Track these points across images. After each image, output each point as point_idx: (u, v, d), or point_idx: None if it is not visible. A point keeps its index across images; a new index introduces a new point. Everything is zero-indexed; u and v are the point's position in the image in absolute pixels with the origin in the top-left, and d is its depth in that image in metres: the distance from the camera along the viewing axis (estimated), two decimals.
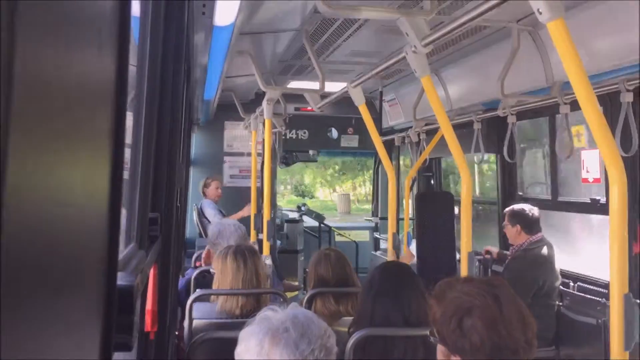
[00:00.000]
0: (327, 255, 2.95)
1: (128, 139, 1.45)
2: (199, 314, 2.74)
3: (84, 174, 0.49)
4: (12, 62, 0.28)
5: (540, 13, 1.51)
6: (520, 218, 4.02)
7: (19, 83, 0.30)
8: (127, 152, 1.44)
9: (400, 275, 2.29)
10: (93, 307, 0.52)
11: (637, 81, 3.00)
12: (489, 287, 1.42)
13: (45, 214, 0.37)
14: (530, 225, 4.01)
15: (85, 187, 0.50)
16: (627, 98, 3.03)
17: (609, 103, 3.36)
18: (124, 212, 1.32)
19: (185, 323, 2.71)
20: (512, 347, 1.35)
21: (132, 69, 1.54)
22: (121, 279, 0.64)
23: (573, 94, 1.75)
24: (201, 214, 6.23)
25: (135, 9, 1.50)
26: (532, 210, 4.07)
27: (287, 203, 18.34)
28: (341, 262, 2.92)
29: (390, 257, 3.84)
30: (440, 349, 1.45)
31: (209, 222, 5.87)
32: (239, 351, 1.42)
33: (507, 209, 4.23)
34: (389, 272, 2.30)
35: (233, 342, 1.46)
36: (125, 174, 1.38)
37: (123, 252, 1.08)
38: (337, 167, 24.01)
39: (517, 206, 4.21)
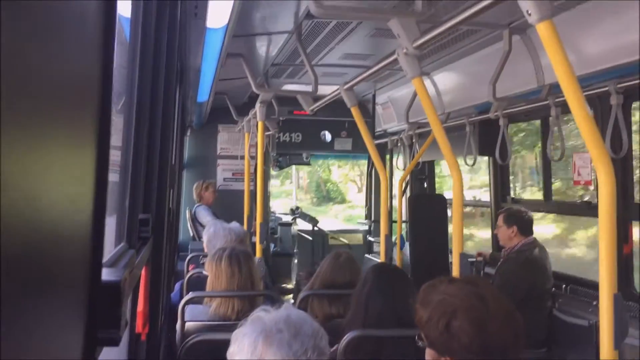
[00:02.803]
0: (337, 256, 2.94)
1: (119, 140, 1.45)
2: (193, 316, 2.74)
3: (68, 170, 0.49)
4: None
5: (530, 14, 1.52)
6: (516, 219, 4.04)
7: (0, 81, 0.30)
8: (119, 154, 1.44)
9: (393, 276, 2.31)
10: (77, 303, 0.52)
11: (627, 83, 3.03)
12: (473, 287, 1.43)
13: (27, 211, 0.37)
14: (525, 226, 4.04)
15: (69, 184, 0.50)
16: (617, 100, 3.06)
17: (598, 105, 3.38)
18: (115, 214, 1.32)
19: (178, 325, 2.71)
20: (501, 344, 1.36)
21: (124, 71, 1.54)
22: (108, 275, 0.64)
23: (564, 96, 1.76)
24: (195, 219, 6.18)
25: (127, 11, 1.50)
26: (527, 212, 4.10)
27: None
28: (348, 265, 2.90)
29: (383, 259, 3.84)
30: (429, 352, 1.45)
31: (203, 228, 5.83)
32: (232, 351, 1.42)
33: (501, 211, 4.25)
34: (382, 273, 2.32)
35: (226, 344, 1.46)
36: (117, 176, 1.39)
37: (113, 251, 1.08)
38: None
39: (512, 208, 4.24)
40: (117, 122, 1.47)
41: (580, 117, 1.56)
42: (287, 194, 22.25)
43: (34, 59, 0.37)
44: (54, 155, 0.44)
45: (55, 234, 0.44)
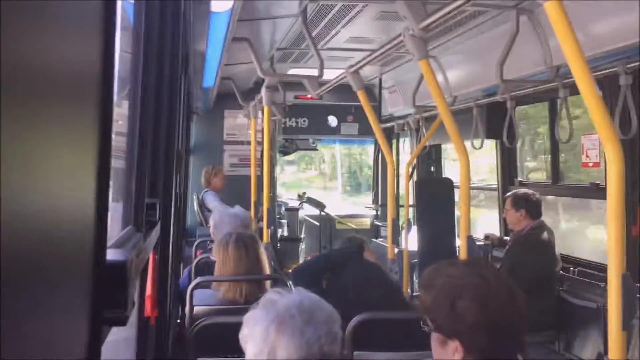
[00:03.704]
0: (349, 241, 2.97)
1: (125, 126, 1.45)
2: (201, 301, 2.75)
3: (70, 153, 0.49)
4: None
5: None
6: (525, 202, 4.02)
7: None
8: (124, 140, 1.44)
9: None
10: (82, 283, 0.52)
11: (636, 64, 2.99)
12: (473, 268, 1.45)
13: (31, 193, 0.37)
14: (534, 209, 4.03)
15: (72, 167, 0.50)
16: (626, 81, 3.02)
17: (607, 86, 3.35)
18: (122, 200, 1.32)
19: (186, 309, 2.73)
20: (506, 320, 1.37)
21: (128, 57, 1.54)
22: (114, 256, 0.65)
23: (572, 77, 1.75)
24: (203, 204, 6.19)
25: None
26: (535, 194, 4.08)
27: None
28: (360, 249, 2.92)
29: (390, 244, 3.85)
30: (435, 337, 1.44)
31: (210, 213, 5.83)
32: (244, 334, 1.42)
33: (509, 194, 4.24)
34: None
35: (234, 328, 1.46)
36: (123, 162, 1.39)
37: (119, 234, 1.08)
38: None
39: (520, 191, 4.22)
40: (123, 108, 1.47)
41: (590, 98, 1.55)
42: (310, 181, 19.43)
43: (34, 45, 0.37)
44: (57, 138, 0.44)
45: (59, 216, 0.45)
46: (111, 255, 0.63)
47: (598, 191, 3.85)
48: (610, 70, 3.12)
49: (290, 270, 7.07)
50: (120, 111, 1.44)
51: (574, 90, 3.36)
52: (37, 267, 0.39)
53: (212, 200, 6.07)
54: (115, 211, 1.24)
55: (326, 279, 2.84)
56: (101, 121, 0.59)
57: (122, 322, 0.61)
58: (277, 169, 8.39)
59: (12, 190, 0.33)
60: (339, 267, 2.71)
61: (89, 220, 0.54)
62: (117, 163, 1.32)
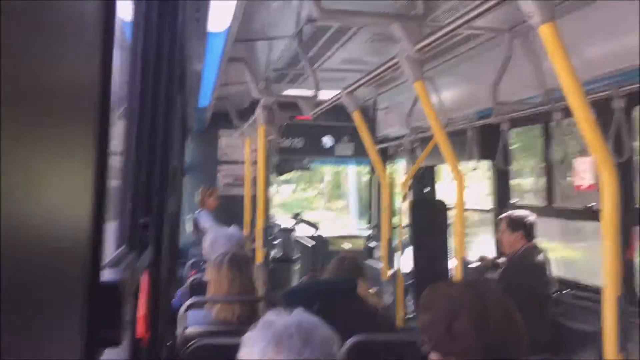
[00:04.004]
0: (342, 260, 2.94)
1: (120, 146, 1.45)
2: (194, 321, 2.73)
3: (66, 172, 0.49)
4: None
5: (531, 16, 1.51)
6: (522, 224, 4.02)
7: None
8: (120, 160, 1.44)
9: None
10: (76, 303, 0.51)
11: (629, 87, 3.02)
12: (471, 288, 1.45)
13: (26, 212, 0.37)
14: (530, 231, 4.03)
15: (67, 186, 0.50)
16: (619, 104, 3.05)
17: (601, 109, 3.38)
18: (116, 219, 1.31)
19: (179, 330, 2.70)
20: (504, 342, 1.37)
21: (125, 76, 1.54)
22: (108, 276, 0.64)
23: (565, 100, 1.76)
24: (197, 225, 6.18)
25: (127, 14, 1.50)
26: (530, 216, 4.09)
27: None
28: (352, 268, 2.89)
29: (385, 264, 3.83)
30: (433, 356, 1.45)
31: (204, 234, 5.80)
32: (242, 355, 1.41)
33: (504, 215, 4.23)
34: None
35: (227, 349, 1.45)
36: (118, 182, 1.38)
37: (113, 254, 1.07)
38: None
39: (515, 212, 4.21)
40: (119, 128, 1.46)
41: (583, 121, 1.56)
42: (309, 202, 17.72)
43: (33, 62, 0.37)
44: (55, 155, 0.44)
45: (54, 235, 0.44)
46: (106, 275, 0.62)
47: (592, 214, 3.85)
48: (604, 93, 3.15)
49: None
50: (116, 130, 1.44)
51: (567, 113, 3.39)
52: (32, 285, 0.38)
53: (206, 220, 6.06)
54: (108, 230, 1.23)
55: (315, 309, 2.78)
56: (99, 139, 0.59)
57: (117, 342, 0.61)
58: (274, 189, 8.36)
59: (9, 206, 0.32)
60: (330, 299, 2.59)
61: (85, 239, 0.54)
62: (112, 182, 1.31)
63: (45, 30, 0.40)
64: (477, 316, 1.38)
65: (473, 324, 1.37)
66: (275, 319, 1.42)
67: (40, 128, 0.39)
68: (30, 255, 0.37)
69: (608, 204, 1.51)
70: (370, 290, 2.88)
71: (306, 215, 8.14)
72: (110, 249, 1.17)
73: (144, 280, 1.54)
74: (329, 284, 2.80)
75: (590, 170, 3.80)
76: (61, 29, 0.45)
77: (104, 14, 0.65)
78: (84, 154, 0.54)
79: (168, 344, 3.03)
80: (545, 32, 1.53)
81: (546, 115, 3.79)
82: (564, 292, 3.99)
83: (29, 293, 0.38)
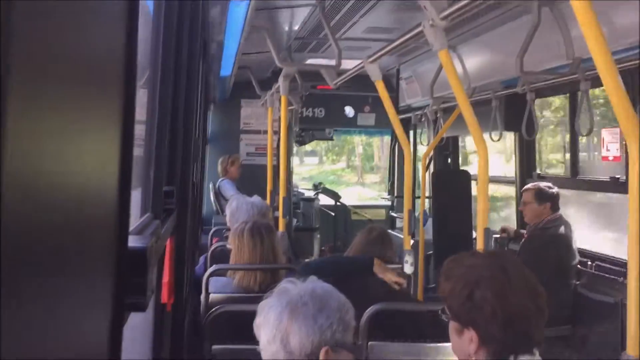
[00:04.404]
0: (370, 231, 2.92)
1: (143, 114, 1.46)
2: (217, 288, 2.77)
3: (93, 140, 0.50)
4: (9, 40, 0.28)
5: None
6: (549, 196, 4.00)
7: (23, 56, 0.30)
8: (143, 128, 1.45)
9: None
10: (105, 268, 0.53)
11: None
12: (495, 259, 1.45)
13: (54, 179, 0.37)
14: (556, 203, 4.00)
15: (95, 154, 0.50)
16: None
17: (630, 79, 3.29)
18: (140, 187, 1.33)
19: (202, 296, 2.75)
20: (524, 315, 1.37)
21: (147, 45, 1.54)
22: (134, 242, 0.65)
23: (594, 70, 1.72)
24: (219, 193, 6.23)
25: None
26: (554, 187, 4.06)
27: None
28: (380, 240, 2.87)
29: (406, 235, 3.84)
30: (453, 325, 1.46)
31: (227, 202, 5.84)
32: (258, 323, 1.44)
33: (529, 187, 4.19)
34: None
35: (249, 316, 1.47)
36: (141, 150, 1.40)
37: (138, 221, 1.09)
38: None
39: (541, 184, 4.17)
40: (141, 96, 1.47)
41: (613, 90, 1.52)
42: (338, 176, 15.45)
43: (61, 34, 0.37)
44: (82, 125, 0.44)
45: (83, 201, 0.45)
46: (132, 241, 0.63)
47: (618, 185, 3.80)
48: (634, 63, 3.07)
49: (305, 260, 7.10)
50: (139, 99, 1.45)
51: (595, 82, 3.31)
52: (64, 251, 0.39)
53: (228, 189, 6.10)
54: (133, 198, 1.25)
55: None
56: (124, 109, 0.59)
57: (142, 308, 0.62)
58: (296, 161, 8.36)
59: (41, 174, 0.33)
60: (344, 277, 2.59)
61: (112, 207, 0.55)
62: (135, 151, 1.32)
63: (73, 2, 0.40)
64: (498, 287, 1.38)
65: (494, 294, 1.37)
66: (290, 286, 1.44)
67: (68, 97, 0.40)
68: (61, 221, 0.38)
69: (635, 176, 1.49)
70: (393, 267, 2.83)
71: (339, 193, 8.03)
72: (135, 216, 1.19)
73: (168, 247, 1.56)
74: (345, 263, 2.78)
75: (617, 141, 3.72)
76: (89, 2, 0.45)
77: None
78: (111, 123, 0.55)
79: (191, 309, 3.09)
80: (576, 1, 1.49)
81: (572, 85, 3.71)
82: (587, 264, 3.96)
83: (62, 259, 0.39)
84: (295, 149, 8.66)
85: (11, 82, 0.27)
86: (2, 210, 0.27)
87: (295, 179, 8.86)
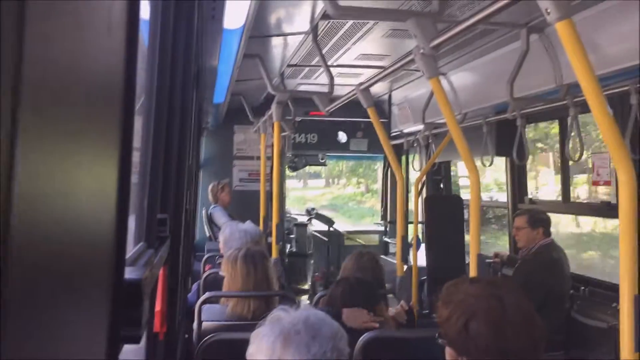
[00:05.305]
0: (360, 255, 2.91)
1: (137, 141, 1.46)
2: (209, 316, 2.75)
3: (92, 171, 0.50)
4: (20, 62, 0.29)
5: (549, 13, 1.50)
6: (542, 221, 4.03)
7: (26, 83, 0.30)
8: (137, 155, 1.45)
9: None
10: (101, 300, 0.52)
11: None
12: (493, 289, 1.43)
13: (54, 211, 0.38)
14: (548, 228, 4.04)
15: (94, 185, 0.51)
16: (637, 100, 3.02)
17: (618, 105, 3.34)
18: (134, 213, 1.33)
19: (195, 324, 2.72)
20: (518, 348, 1.36)
21: (142, 73, 1.56)
22: (130, 273, 0.65)
23: (582, 96, 1.74)
24: (211, 220, 6.20)
25: (145, 12, 1.51)
26: (545, 212, 4.11)
27: None
28: (370, 264, 2.86)
29: (399, 261, 3.83)
30: (448, 351, 1.46)
31: (219, 229, 5.81)
32: (251, 351, 1.42)
33: (521, 212, 4.22)
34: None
35: (243, 344, 1.46)
36: (136, 177, 1.40)
37: (132, 250, 1.09)
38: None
39: (534, 209, 4.22)
40: (136, 124, 1.48)
41: (601, 116, 1.54)
42: (358, 202, 12.99)
43: (63, 60, 0.38)
44: (79, 154, 0.45)
45: (81, 232, 0.45)
46: (127, 273, 0.63)
47: (609, 210, 3.82)
48: (622, 89, 3.12)
49: (298, 286, 7.06)
50: (134, 126, 1.45)
51: (584, 108, 3.35)
52: (61, 284, 0.39)
53: (220, 217, 6.07)
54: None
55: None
56: (123, 136, 0.60)
57: (137, 340, 0.62)
58: (299, 184, 8.35)
59: (39, 203, 0.33)
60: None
61: (110, 237, 0.55)
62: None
63: (74, 27, 0.41)
64: (494, 319, 1.37)
65: (489, 327, 1.36)
66: (283, 314, 1.43)
67: (67, 121, 0.40)
68: (59, 252, 0.38)
69: (626, 200, 1.50)
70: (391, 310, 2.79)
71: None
72: (130, 245, 1.19)
73: (161, 276, 1.55)
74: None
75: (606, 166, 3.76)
76: (89, 27, 0.46)
77: (129, 10, 0.66)
78: (109, 152, 0.55)
79: (184, 338, 3.05)
80: (562, 28, 1.52)
81: (562, 111, 3.75)
82: (580, 289, 3.96)
83: (61, 293, 0.39)
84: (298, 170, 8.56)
85: (21, 115, 0.28)
86: (2, 243, 0.27)
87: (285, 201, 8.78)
